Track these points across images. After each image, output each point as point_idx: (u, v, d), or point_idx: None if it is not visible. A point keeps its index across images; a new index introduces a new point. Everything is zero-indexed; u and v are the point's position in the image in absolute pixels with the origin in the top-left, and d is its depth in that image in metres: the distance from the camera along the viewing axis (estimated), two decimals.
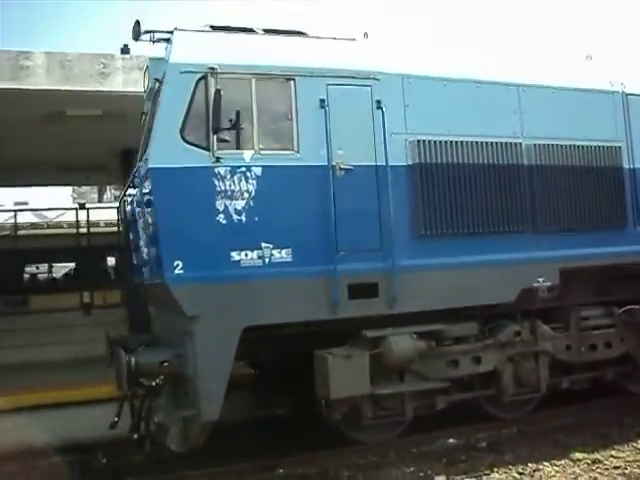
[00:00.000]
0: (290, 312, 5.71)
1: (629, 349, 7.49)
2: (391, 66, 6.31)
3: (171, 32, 5.88)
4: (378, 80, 6.18)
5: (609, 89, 7.37)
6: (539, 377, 6.98)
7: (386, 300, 5.99)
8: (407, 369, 6.32)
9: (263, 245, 5.65)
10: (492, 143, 6.54)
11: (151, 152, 5.44)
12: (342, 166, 5.94)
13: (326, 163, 5.88)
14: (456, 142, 6.38)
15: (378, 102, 6.11)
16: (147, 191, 5.58)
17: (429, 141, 6.26)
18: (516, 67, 7.12)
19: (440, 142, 6.31)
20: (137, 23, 5.96)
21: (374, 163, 6.05)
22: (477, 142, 6.48)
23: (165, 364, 5.62)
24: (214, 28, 6.10)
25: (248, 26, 6.27)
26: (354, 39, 6.57)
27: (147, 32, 6.05)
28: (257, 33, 6.22)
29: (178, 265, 5.41)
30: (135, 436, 6.01)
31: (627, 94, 7.46)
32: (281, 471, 5.95)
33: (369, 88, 6.13)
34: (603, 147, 7.14)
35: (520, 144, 6.70)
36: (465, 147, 6.42)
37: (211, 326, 5.47)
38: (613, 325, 7.35)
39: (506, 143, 6.62)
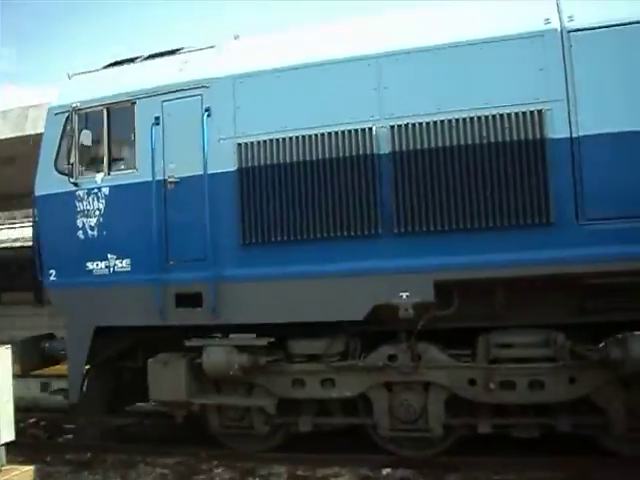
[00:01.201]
0: (129, 316, 6.33)
1: (590, 393, 5.30)
2: (222, 70, 6.12)
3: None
4: (208, 87, 6.11)
5: (536, 30, 5.24)
6: (427, 414, 5.67)
7: (210, 310, 5.99)
8: (254, 383, 6.13)
9: (109, 256, 6.44)
10: (335, 133, 5.64)
11: (35, 182, 6.84)
12: (171, 179, 6.18)
13: (159, 178, 6.23)
14: (288, 139, 5.77)
15: (207, 109, 6.07)
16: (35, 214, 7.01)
17: (252, 143, 5.87)
18: (379, 33, 5.78)
19: (266, 142, 5.83)
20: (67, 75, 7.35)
21: (201, 173, 6.07)
22: (316, 135, 5.70)
23: (62, 352, 6.99)
24: (109, 65, 7.07)
25: (134, 55, 7.01)
26: (212, 46, 6.55)
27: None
28: (136, 62, 6.90)
29: (52, 273, 6.71)
30: None
31: (571, 30, 5.16)
32: None
33: (200, 97, 6.14)
34: (512, 114, 5.20)
35: (372, 128, 5.54)
36: (301, 142, 5.74)
37: (73, 323, 6.60)
38: (553, 359, 5.33)
39: (352, 130, 5.59)
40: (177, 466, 6.11)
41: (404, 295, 5.42)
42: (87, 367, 6.66)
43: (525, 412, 5.62)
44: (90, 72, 7.02)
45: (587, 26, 5.13)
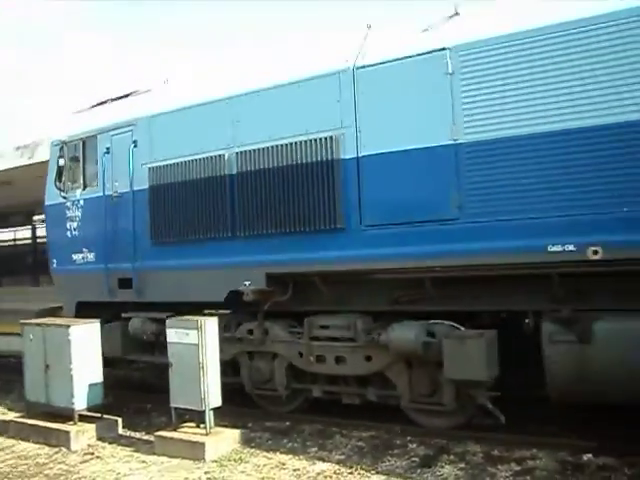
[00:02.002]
0: (94, 294, 8.62)
1: (382, 370, 6.44)
2: (144, 111, 8.05)
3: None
4: (135, 125, 8.11)
5: (335, 69, 6.41)
6: (274, 378, 7.18)
7: (136, 291, 8.05)
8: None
9: (84, 250, 8.80)
10: (203, 159, 7.31)
11: (44, 195, 9.42)
12: (114, 194, 8.33)
13: (108, 193, 8.41)
14: (176, 163, 7.56)
15: (135, 142, 8.08)
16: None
17: (156, 167, 7.75)
18: (237, 77, 7.25)
19: (164, 167, 7.68)
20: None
21: (129, 190, 8.12)
22: (194, 160, 7.41)
23: None
24: (93, 106, 9.42)
25: (108, 98, 9.26)
26: (149, 90, 8.52)
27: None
28: (106, 104, 9.15)
29: (54, 262, 9.27)
30: None
31: (358, 67, 6.26)
32: None
33: (130, 132, 8.16)
34: (314, 140, 6.46)
35: (224, 155, 7.12)
36: (184, 166, 7.50)
37: (66, 299, 9.10)
38: (353, 339, 6.54)
39: (212, 157, 7.21)
40: (372, 439, 6.28)
41: (247, 283, 6.96)
42: None
43: (349, 382, 6.85)
44: (80, 112, 9.42)
45: (368, 63, 6.19)
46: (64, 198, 9.00)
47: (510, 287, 5.80)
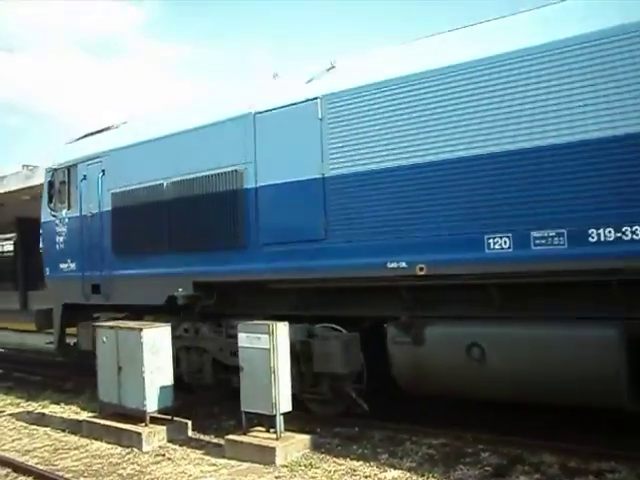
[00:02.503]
0: (75, 297, 10.26)
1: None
2: (111, 145, 9.63)
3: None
4: (104, 156, 9.70)
5: (241, 113, 7.73)
6: (203, 369, 8.58)
7: (104, 295, 9.63)
8: None
9: (68, 260, 10.47)
10: (149, 186, 8.80)
11: (41, 214, 11.16)
12: (89, 214, 9.95)
13: (84, 213, 10.04)
14: (131, 190, 9.09)
15: (103, 171, 9.68)
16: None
17: (117, 192, 9.31)
18: (173, 118, 8.69)
19: (122, 192, 9.22)
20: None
21: (98, 211, 9.72)
22: (143, 187, 8.92)
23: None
24: (78, 139, 11.12)
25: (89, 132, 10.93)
26: (125, 122, 10.12)
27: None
28: (87, 136, 10.82)
29: (48, 270, 11.01)
30: None
31: (256, 113, 7.57)
32: None
33: (100, 163, 9.76)
34: (225, 173, 7.80)
35: (163, 184, 8.57)
36: (135, 192, 9.02)
37: (55, 301, 10.80)
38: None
39: (155, 185, 8.69)
40: (443, 447, 6.20)
41: (180, 290, 8.37)
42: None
43: None
44: (70, 142, 11.14)
45: (264, 109, 7.48)
46: (54, 216, 10.70)
47: (375, 296, 6.95)
